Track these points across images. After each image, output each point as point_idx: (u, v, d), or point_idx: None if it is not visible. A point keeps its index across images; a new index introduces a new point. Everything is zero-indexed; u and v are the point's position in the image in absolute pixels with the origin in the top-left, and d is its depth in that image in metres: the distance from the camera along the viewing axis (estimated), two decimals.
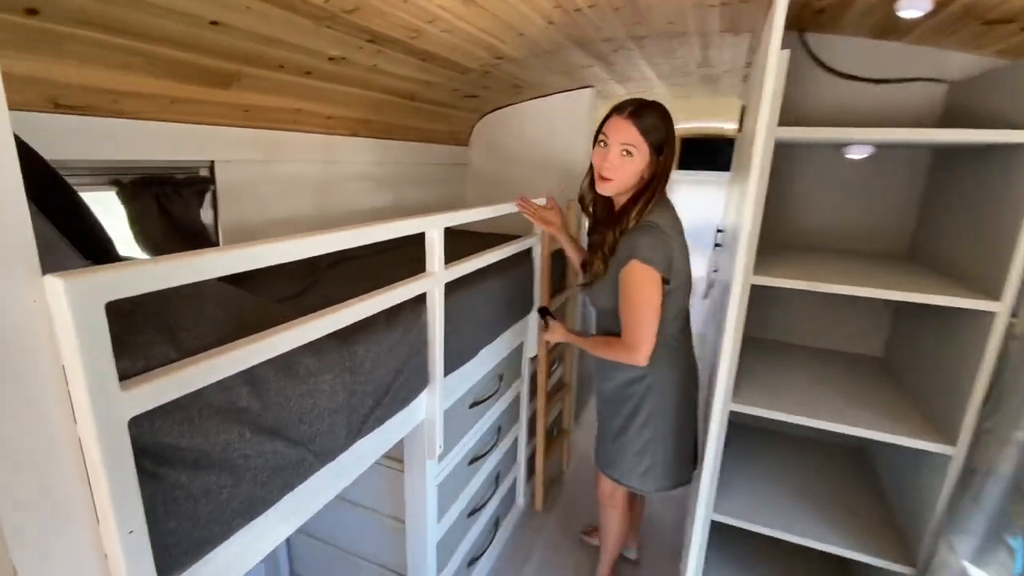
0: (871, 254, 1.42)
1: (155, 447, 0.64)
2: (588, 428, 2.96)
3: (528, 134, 2.61)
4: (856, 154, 1.36)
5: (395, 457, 1.43)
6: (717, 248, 2.74)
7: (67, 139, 1.11)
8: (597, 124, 1.27)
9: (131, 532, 0.59)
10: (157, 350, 0.63)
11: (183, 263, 0.63)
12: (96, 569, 0.59)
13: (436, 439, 1.31)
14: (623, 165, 1.20)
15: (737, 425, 1.62)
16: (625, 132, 1.18)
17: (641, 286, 1.19)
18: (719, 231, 2.72)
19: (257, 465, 0.77)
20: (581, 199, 1.42)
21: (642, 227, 1.20)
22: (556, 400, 2.34)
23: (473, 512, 1.73)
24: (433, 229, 1.16)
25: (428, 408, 1.29)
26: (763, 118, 1.00)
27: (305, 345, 0.86)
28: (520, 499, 2.22)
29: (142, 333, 0.63)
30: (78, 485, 0.56)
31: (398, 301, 1.07)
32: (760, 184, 1.03)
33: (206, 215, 1.42)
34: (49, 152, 0.83)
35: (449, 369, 1.34)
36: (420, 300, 1.19)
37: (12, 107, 0.47)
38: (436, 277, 1.19)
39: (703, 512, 1.25)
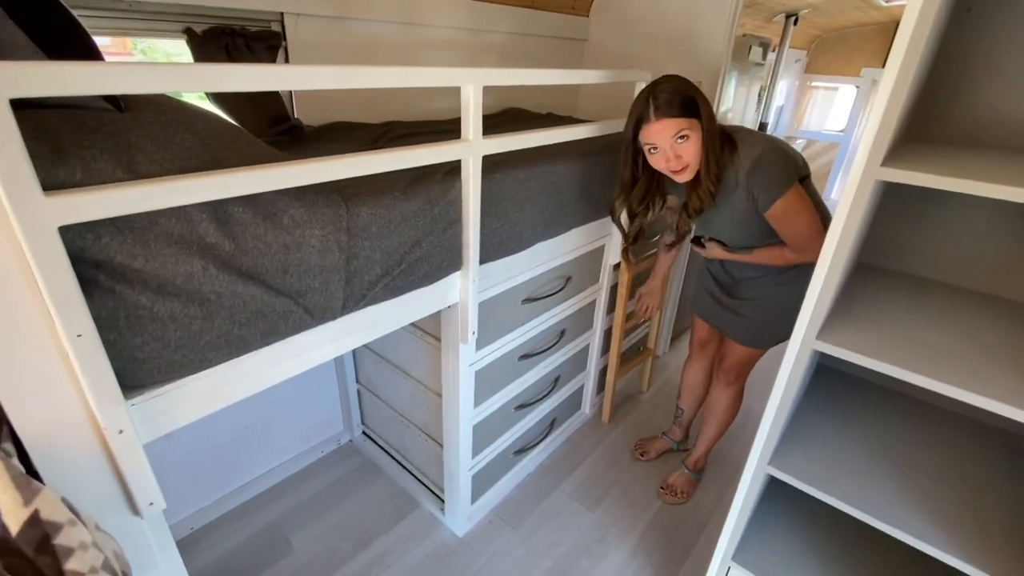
0: None
1: (108, 263, 0.65)
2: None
3: (660, 7, 2.15)
4: None
5: (436, 335, 1.43)
6: None
7: None
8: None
9: (79, 336, 0.62)
10: (100, 165, 0.62)
11: (96, 71, 0.59)
12: (58, 366, 0.64)
13: (469, 325, 1.25)
14: (687, 148, 1.20)
15: (834, 372, 1.30)
16: (666, 129, 1.18)
17: (798, 212, 1.22)
18: None
19: (232, 304, 0.77)
20: (610, 212, 1.46)
21: (757, 162, 1.19)
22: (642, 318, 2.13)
23: (523, 407, 1.71)
24: (469, 85, 1.00)
25: (461, 292, 1.22)
26: None
27: (292, 193, 0.81)
28: (587, 408, 2.16)
29: (90, 148, 0.62)
30: (29, 288, 0.59)
31: (416, 164, 0.96)
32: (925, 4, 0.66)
33: None
34: None
35: (488, 257, 1.23)
36: (454, 172, 1.08)
37: None
38: (471, 146, 1.04)
39: (756, 461, 1.04)
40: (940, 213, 1.10)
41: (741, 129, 1.28)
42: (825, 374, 1.30)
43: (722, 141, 1.23)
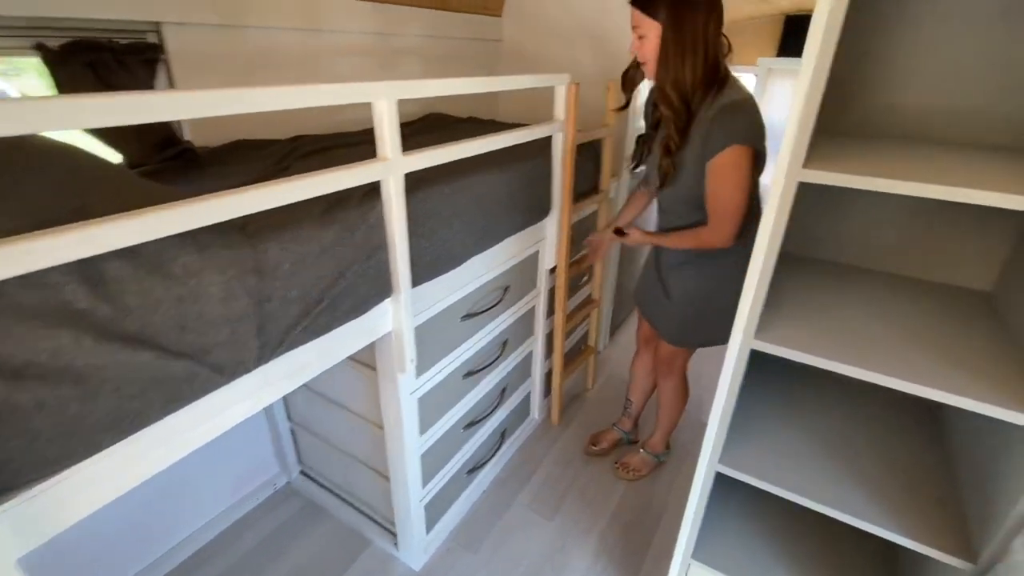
0: (993, 149, 1.00)
1: None
2: (623, 347, 2.77)
3: (575, 8, 2.15)
4: None
5: (372, 365, 1.33)
6: None
7: None
8: None
9: None
10: None
11: None
12: None
13: (406, 353, 1.17)
14: (643, 47, 1.20)
15: (771, 359, 1.34)
16: (632, 18, 1.19)
17: (739, 172, 1.18)
18: None
19: (118, 376, 0.65)
20: (646, 114, 1.45)
21: (732, 105, 1.17)
22: (581, 317, 2.14)
23: (472, 424, 1.65)
24: (381, 100, 0.92)
25: (394, 320, 1.14)
26: None
27: (183, 237, 0.70)
28: (535, 413, 2.13)
29: None
30: None
31: (329, 191, 0.87)
32: (830, 17, 0.67)
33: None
34: None
35: (420, 279, 1.16)
36: (373, 193, 0.99)
37: None
38: (390, 165, 0.97)
39: (706, 462, 1.05)
40: (848, 200, 1.17)
41: (738, 82, 1.23)
42: (764, 358, 1.35)
43: (713, 77, 1.19)
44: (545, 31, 2.24)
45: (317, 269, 0.89)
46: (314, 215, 0.89)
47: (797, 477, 1.00)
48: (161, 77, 1.25)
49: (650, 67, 1.22)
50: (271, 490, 1.80)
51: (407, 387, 1.27)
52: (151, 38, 1.22)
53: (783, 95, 4.60)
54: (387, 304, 1.11)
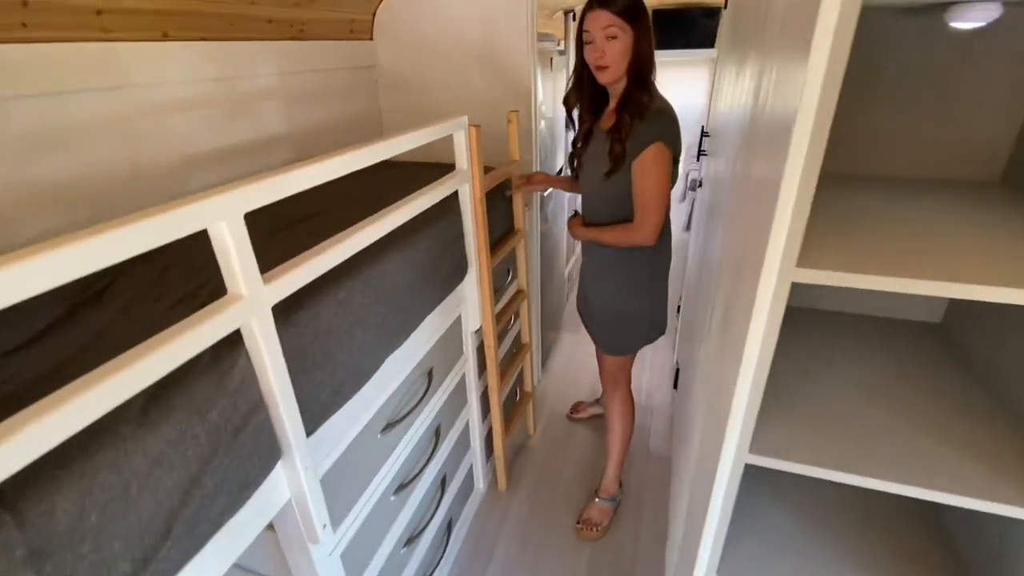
0: (955, 184, 0.93)
1: None
2: (555, 375, 2.62)
3: (450, 17, 1.91)
4: (970, 21, 0.82)
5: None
6: (702, 157, 2.20)
7: None
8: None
9: None
10: None
11: None
12: None
13: (314, 519, 0.88)
14: (612, 48, 1.26)
15: (804, 310, 1.17)
16: (602, 19, 1.24)
17: (661, 167, 1.28)
18: (704, 134, 2.15)
19: None
20: (566, 101, 1.48)
21: (657, 110, 1.28)
22: (516, 363, 1.94)
23: (413, 538, 1.38)
24: (220, 222, 0.62)
25: (291, 486, 0.85)
26: None
27: None
28: (480, 484, 1.90)
29: None
30: None
31: (159, 375, 0.57)
32: (827, 88, 0.50)
33: None
34: None
35: (319, 420, 0.88)
36: (230, 345, 0.70)
37: None
38: (248, 304, 0.68)
39: (731, 456, 0.76)
40: None
41: (658, 90, 1.35)
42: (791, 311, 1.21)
43: (644, 86, 1.29)
44: (426, 52, 1.98)
45: (152, 493, 0.58)
46: (130, 414, 0.58)
47: (840, 450, 0.76)
48: None
49: (616, 67, 1.28)
50: None
51: (324, 550, 0.98)
52: None
53: (672, 85, 4.70)
54: (277, 470, 0.82)
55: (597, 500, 1.81)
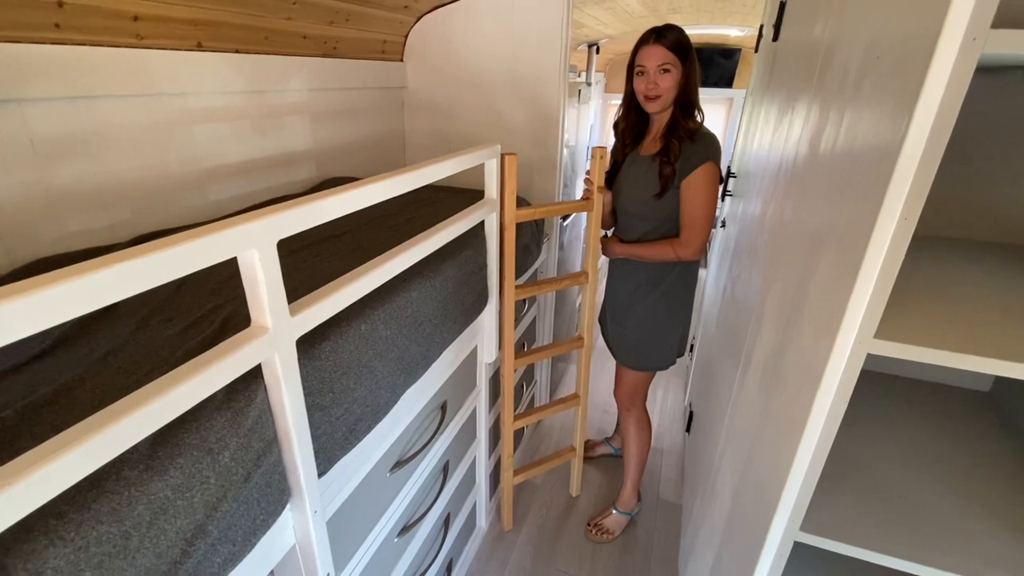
0: None
1: None
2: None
3: (482, 44, 1.91)
4: None
5: None
6: (727, 197, 2.17)
7: None
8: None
9: None
10: None
11: None
12: None
13: (317, 568, 0.81)
14: (664, 80, 1.35)
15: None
16: (657, 55, 1.34)
17: (712, 186, 1.37)
18: (730, 175, 2.13)
19: None
20: (616, 126, 1.57)
21: (704, 134, 1.38)
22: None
23: None
24: (251, 250, 0.58)
25: (298, 530, 0.78)
26: (955, 13, 0.42)
27: None
28: (482, 522, 1.82)
29: None
30: None
31: (175, 413, 0.52)
32: (931, 145, 0.46)
33: None
34: None
35: (333, 460, 0.82)
36: (247, 379, 0.65)
37: None
38: (272, 337, 0.63)
39: (780, 531, 0.70)
40: None
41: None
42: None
43: (691, 115, 1.39)
44: (454, 77, 1.98)
45: (153, 545, 0.53)
46: (137, 455, 0.53)
47: (909, 533, 0.69)
48: None
49: (666, 97, 1.37)
50: None
51: None
52: None
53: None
54: (285, 516, 0.76)
55: (614, 512, 1.86)
